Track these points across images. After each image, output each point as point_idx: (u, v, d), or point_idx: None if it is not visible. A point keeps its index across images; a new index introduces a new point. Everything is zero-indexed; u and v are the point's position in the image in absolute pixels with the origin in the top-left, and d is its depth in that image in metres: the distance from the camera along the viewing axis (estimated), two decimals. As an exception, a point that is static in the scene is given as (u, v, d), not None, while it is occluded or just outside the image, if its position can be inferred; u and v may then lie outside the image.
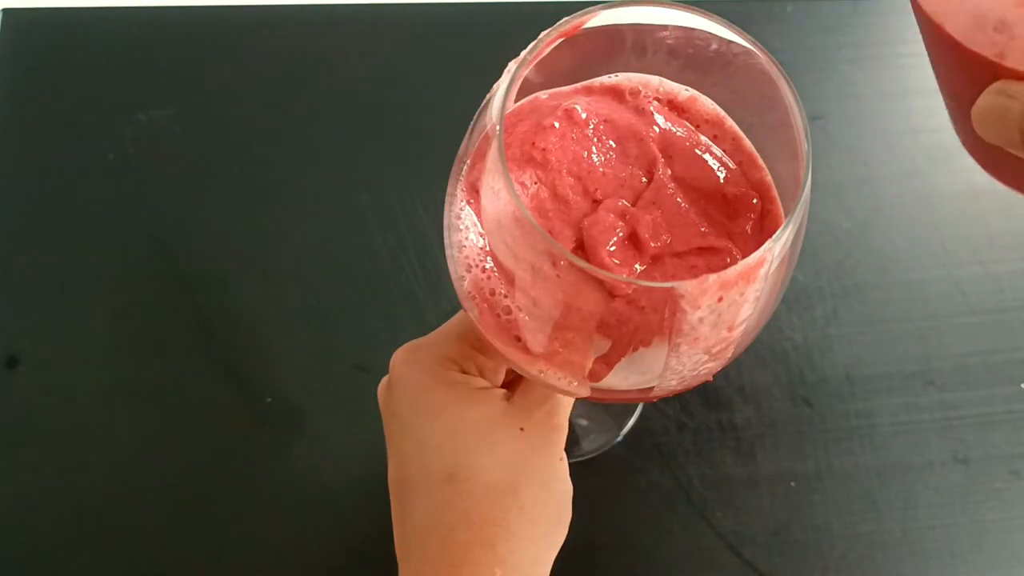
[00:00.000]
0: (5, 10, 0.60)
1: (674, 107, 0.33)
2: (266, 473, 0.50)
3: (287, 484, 0.50)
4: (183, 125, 0.58)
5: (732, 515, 0.50)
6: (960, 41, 0.26)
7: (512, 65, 0.29)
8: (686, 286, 0.26)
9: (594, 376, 0.31)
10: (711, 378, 0.32)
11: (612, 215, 0.29)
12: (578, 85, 0.33)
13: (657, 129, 0.31)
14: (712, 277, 0.26)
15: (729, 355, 0.31)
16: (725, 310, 0.27)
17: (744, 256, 0.30)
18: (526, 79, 0.31)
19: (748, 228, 0.31)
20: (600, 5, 0.29)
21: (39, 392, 0.51)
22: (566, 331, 0.29)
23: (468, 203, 0.31)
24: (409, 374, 0.35)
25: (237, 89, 0.59)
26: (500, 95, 0.28)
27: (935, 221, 0.57)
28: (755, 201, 0.31)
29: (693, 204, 0.31)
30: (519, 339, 0.31)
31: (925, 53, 0.30)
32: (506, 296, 0.30)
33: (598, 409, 0.52)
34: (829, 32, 0.62)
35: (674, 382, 0.31)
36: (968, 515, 0.50)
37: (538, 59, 0.30)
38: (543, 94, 0.33)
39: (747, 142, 0.32)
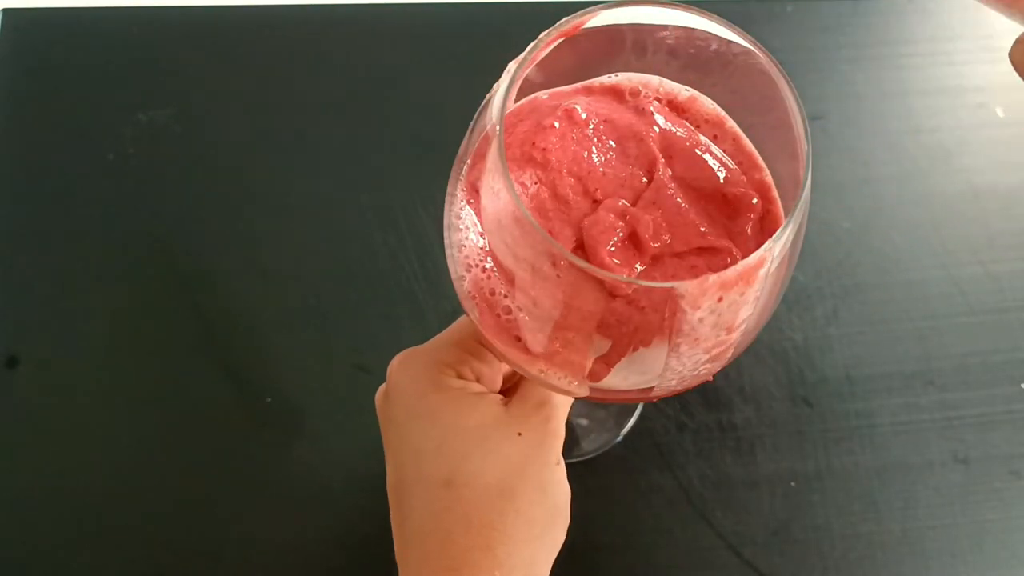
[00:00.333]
0: (5, 10, 0.60)
1: (674, 107, 0.33)
2: (266, 473, 0.50)
3: (287, 484, 0.50)
4: (183, 125, 0.58)
5: (732, 515, 0.50)
6: None
7: (512, 65, 0.29)
8: (686, 286, 0.26)
9: (594, 376, 0.31)
10: (711, 378, 0.32)
11: (612, 215, 0.29)
12: (578, 85, 0.33)
13: (657, 129, 0.31)
14: (712, 277, 0.26)
15: (729, 355, 0.31)
16: (725, 310, 0.27)
17: (744, 256, 0.30)
18: (526, 79, 0.31)
19: (748, 228, 0.31)
20: (600, 5, 0.29)
21: (39, 392, 0.51)
22: (566, 331, 0.29)
23: (468, 203, 0.31)
24: (406, 380, 0.35)
25: (237, 89, 0.59)
26: (500, 95, 0.28)
27: (935, 221, 0.57)
28: (755, 201, 0.31)
29: (693, 204, 0.31)
30: (519, 339, 0.31)
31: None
32: (506, 296, 0.30)
33: (598, 409, 0.52)
34: (829, 32, 0.62)
35: (674, 382, 0.31)
36: (968, 515, 0.50)
37: (538, 59, 0.30)
38: (543, 94, 0.33)
39: (747, 142, 0.32)
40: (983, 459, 0.52)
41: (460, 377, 0.35)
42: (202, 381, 0.51)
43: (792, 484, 0.51)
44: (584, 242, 0.29)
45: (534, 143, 0.30)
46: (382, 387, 0.37)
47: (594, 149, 0.31)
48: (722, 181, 0.31)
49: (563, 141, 0.30)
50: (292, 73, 0.60)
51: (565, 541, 0.36)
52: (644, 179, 0.31)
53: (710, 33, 0.30)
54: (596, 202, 0.30)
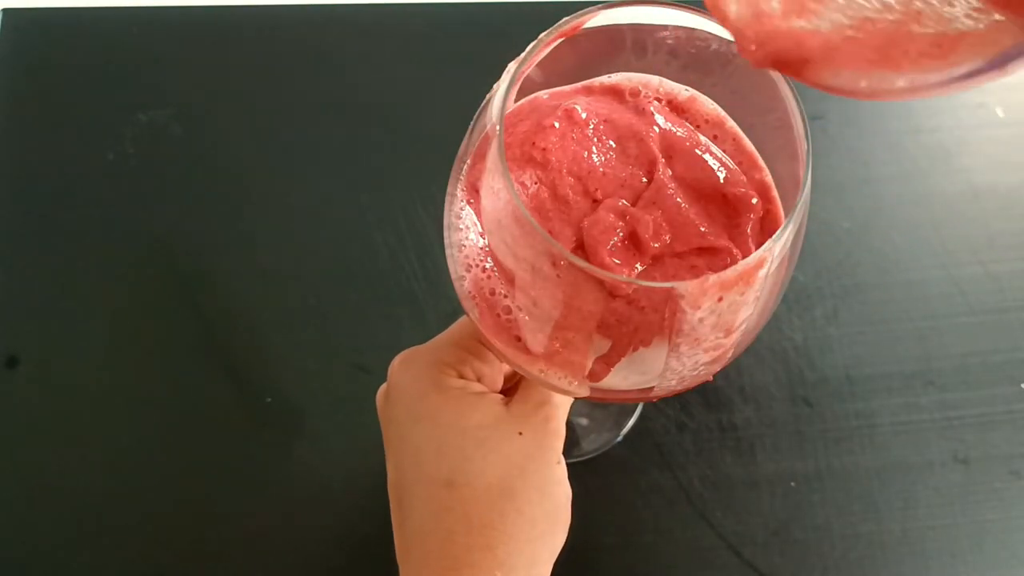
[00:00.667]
0: (5, 10, 0.60)
1: (674, 107, 0.33)
2: (266, 473, 0.50)
3: (287, 484, 0.50)
4: (183, 125, 0.58)
5: (732, 515, 0.50)
6: None
7: (512, 65, 0.29)
8: (686, 286, 0.26)
9: (594, 376, 0.31)
10: (711, 378, 0.32)
11: (612, 215, 0.29)
12: (578, 85, 0.33)
13: (657, 129, 0.31)
14: (712, 277, 0.26)
15: (729, 355, 0.31)
16: (725, 310, 0.27)
17: (744, 256, 0.30)
18: (527, 79, 0.31)
19: (748, 228, 0.31)
20: (600, 5, 0.29)
21: (39, 392, 0.51)
22: (566, 331, 0.29)
23: (468, 203, 0.31)
24: (406, 380, 0.35)
25: (237, 89, 0.59)
26: (500, 95, 0.28)
27: (935, 221, 0.57)
28: (755, 201, 0.31)
29: (693, 204, 0.31)
30: (519, 339, 0.31)
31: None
32: (506, 296, 0.30)
33: (598, 409, 0.52)
34: (829, 32, 0.62)
35: (674, 382, 0.31)
36: (968, 515, 0.50)
37: (538, 59, 0.30)
38: (543, 94, 0.33)
39: (747, 142, 0.32)
40: (983, 459, 0.52)
41: (461, 377, 0.35)
42: (202, 381, 0.51)
43: (792, 484, 0.51)
44: (584, 242, 0.29)
45: (534, 143, 0.30)
46: (383, 387, 0.37)
47: (594, 149, 0.31)
48: (722, 181, 0.31)
49: (563, 141, 0.30)
50: (292, 73, 0.60)
51: (565, 541, 0.36)
52: (644, 179, 0.31)
53: (710, 33, 0.30)
54: (596, 202, 0.30)
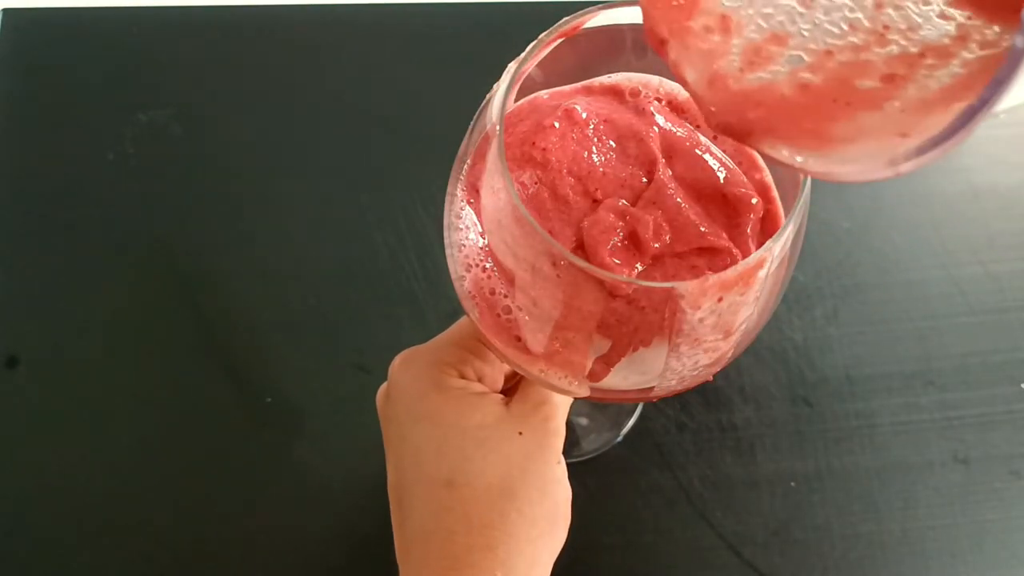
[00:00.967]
0: (5, 10, 0.60)
1: (674, 107, 0.33)
2: (266, 473, 0.50)
3: (287, 484, 0.50)
4: (183, 125, 0.58)
5: (732, 515, 0.50)
6: None
7: (512, 65, 0.29)
8: (686, 286, 0.26)
9: (594, 376, 0.31)
10: (711, 378, 0.32)
11: (612, 215, 0.29)
12: (578, 85, 0.33)
13: (657, 129, 0.31)
14: (712, 277, 0.26)
15: (729, 355, 0.31)
16: (725, 310, 0.27)
17: (744, 256, 0.30)
18: (527, 78, 0.31)
19: (748, 228, 0.31)
20: (600, 5, 0.29)
21: (39, 392, 0.51)
22: (566, 331, 0.29)
23: (468, 203, 0.31)
24: (407, 380, 0.35)
25: (237, 89, 0.59)
26: (500, 95, 0.28)
27: (935, 221, 0.57)
28: (755, 201, 0.31)
29: (693, 204, 0.31)
30: (519, 339, 0.31)
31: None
32: (506, 296, 0.30)
33: (598, 409, 0.52)
34: (829, 32, 0.62)
35: (674, 382, 0.31)
36: (968, 515, 0.50)
37: (538, 59, 0.30)
38: (543, 94, 0.33)
39: (747, 142, 0.32)
40: (983, 459, 0.52)
41: (462, 377, 0.35)
42: (202, 381, 0.51)
43: (792, 484, 0.51)
44: (584, 242, 0.29)
45: (534, 143, 0.30)
46: (383, 386, 0.37)
47: (594, 149, 0.31)
48: (722, 181, 0.31)
49: (563, 141, 0.30)
50: (292, 73, 0.60)
51: (565, 541, 0.36)
52: (644, 179, 0.31)
53: (710, 33, 0.30)
54: (596, 202, 0.30)
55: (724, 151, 0.32)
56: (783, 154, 0.21)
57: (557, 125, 0.30)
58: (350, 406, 0.51)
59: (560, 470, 0.35)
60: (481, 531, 0.33)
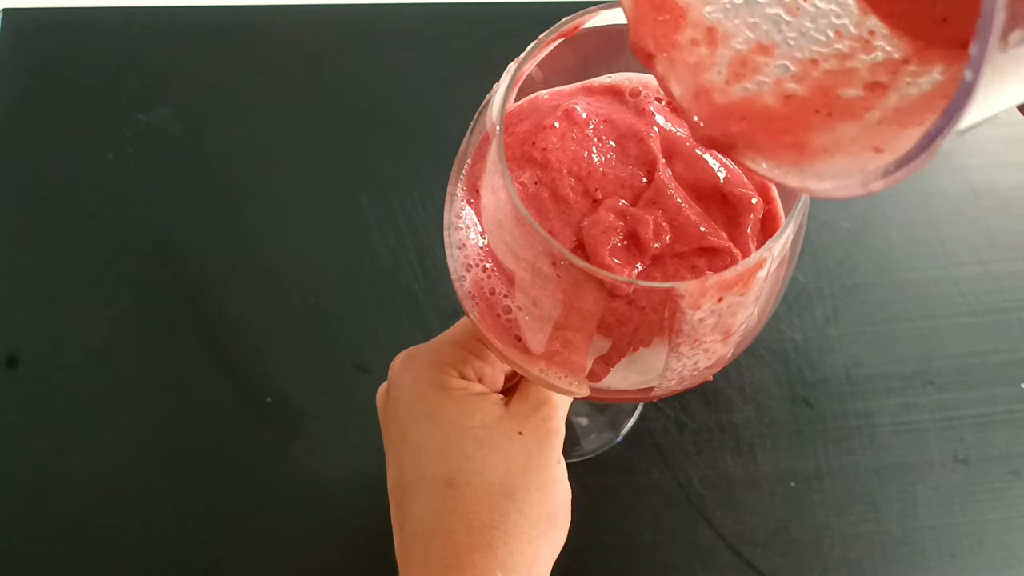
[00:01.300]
0: (5, 10, 0.60)
1: (674, 107, 0.33)
2: (266, 473, 0.50)
3: (287, 484, 0.50)
4: (183, 125, 0.58)
5: (732, 515, 0.50)
6: None
7: (512, 65, 0.29)
8: (686, 286, 0.26)
9: (594, 376, 0.31)
10: (711, 378, 0.32)
11: (612, 215, 0.29)
12: (578, 85, 0.33)
13: (657, 129, 0.31)
14: (712, 277, 0.26)
15: (729, 355, 0.31)
16: (725, 310, 0.27)
17: (744, 256, 0.30)
18: (527, 78, 0.31)
19: (748, 228, 0.31)
20: (600, 5, 0.29)
21: (39, 392, 0.51)
22: (566, 331, 0.29)
23: (468, 203, 0.31)
24: (407, 380, 0.35)
25: (237, 89, 0.59)
26: (500, 95, 0.28)
27: (935, 221, 0.57)
28: (755, 201, 0.31)
29: (693, 204, 0.31)
30: (519, 339, 0.31)
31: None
32: (506, 296, 0.30)
33: (598, 409, 0.52)
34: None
35: (674, 382, 0.31)
36: (968, 515, 0.50)
37: (538, 59, 0.30)
38: (543, 94, 0.33)
39: (747, 142, 0.32)
40: (983, 459, 0.52)
41: (462, 377, 0.35)
42: (202, 381, 0.51)
43: (792, 484, 0.51)
44: (584, 242, 0.29)
45: (534, 143, 0.30)
46: (383, 386, 0.37)
47: (594, 149, 0.31)
48: (722, 181, 0.31)
49: (563, 141, 0.30)
50: (292, 73, 0.60)
51: (565, 541, 0.36)
52: (644, 179, 0.31)
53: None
54: (596, 202, 0.30)
55: (724, 151, 0.32)
56: (763, 167, 0.21)
57: (557, 125, 0.30)
58: (350, 406, 0.51)
59: (560, 470, 0.35)
60: (481, 531, 0.33)
